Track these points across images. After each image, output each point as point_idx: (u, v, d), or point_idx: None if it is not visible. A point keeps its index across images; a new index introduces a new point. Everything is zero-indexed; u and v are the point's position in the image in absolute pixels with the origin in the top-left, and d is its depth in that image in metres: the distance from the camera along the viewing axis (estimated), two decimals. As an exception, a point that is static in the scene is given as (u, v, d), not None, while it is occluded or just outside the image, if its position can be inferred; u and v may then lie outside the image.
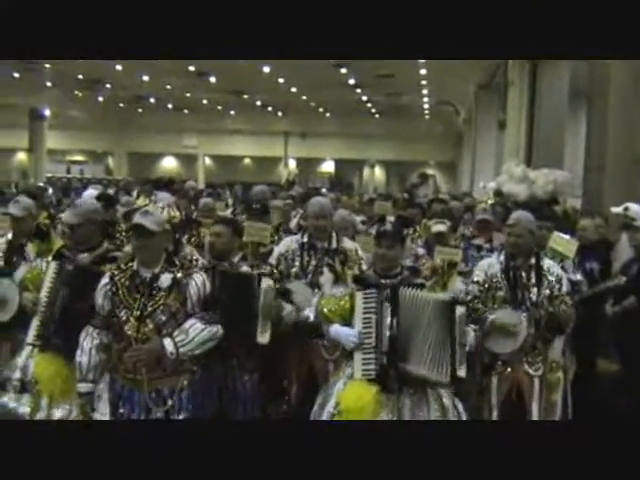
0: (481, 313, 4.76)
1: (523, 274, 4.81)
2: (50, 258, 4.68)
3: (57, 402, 4.44)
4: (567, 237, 5.75)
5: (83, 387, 3.98)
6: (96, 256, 4.59)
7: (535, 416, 4.76)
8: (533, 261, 4.84)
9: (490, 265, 4.91)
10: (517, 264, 4.83)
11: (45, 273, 4.60)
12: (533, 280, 4.79)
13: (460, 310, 4.14)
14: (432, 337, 4.08)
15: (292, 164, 38.14)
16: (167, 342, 3.71)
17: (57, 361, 4.43)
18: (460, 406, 4.17)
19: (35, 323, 4.54)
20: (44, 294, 4.54)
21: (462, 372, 4.10)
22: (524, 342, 4.69)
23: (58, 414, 4.42)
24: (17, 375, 4.52)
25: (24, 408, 4.44)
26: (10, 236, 5.53)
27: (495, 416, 4.77)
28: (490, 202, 10.59)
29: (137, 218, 3.84)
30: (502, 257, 4.91)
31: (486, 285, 4.84)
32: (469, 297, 4.85)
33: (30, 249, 5.18)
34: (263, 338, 4.52)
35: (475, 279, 4.90)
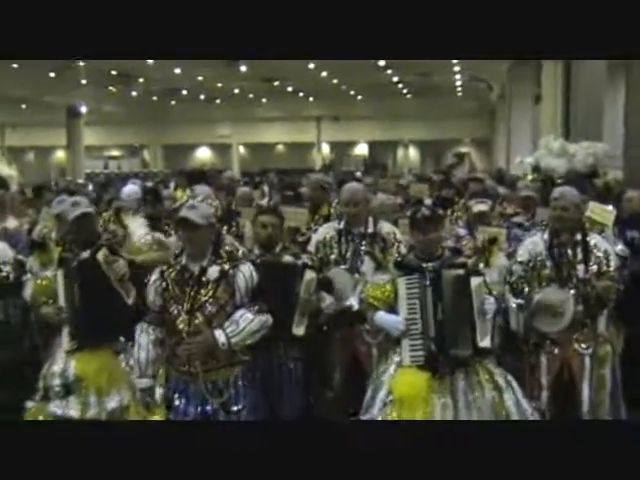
0: (527, 293, 4.73)
1: (569, 251, 4.74)
2: (55, 267, 4.71)
3: (107, 394, 4.53)
4: (604, 206, 5.67)
5: (143, 382, 4.05)
6: (97, 248, 4.65)
7: (586, 394, 4.72)
8: (579, 237, 4.76)
9: (534, 244, 4.85)
10: (562, 240, 4.76)
11: (55, 282, 4.64)
12: (579, 257, 4.72)
13: (476, 280, 4.06)
14: (466, 314, 4.05)
15: (325, 149, 38.08)
16: (218, 333, 3.76)
17: (98, 355, 4.55)
18: (514, 383, 4.13)
19: (65, 330, 4.61)
20: (62, 301, 4.60)
21: (486, 342, 4.03)
22: (572, 320, 4.65)
23: (110, 406, 4.51)
24: (58, 382, 4.56)
25: (73, 411, 4.50)
26: (54, 235, 5.63)
27: (545, 396, 4.74)
28: (530, 178, 10.46)
29: (183, 212, 3.90)
30: (546, 235, 4.84)
31: (531, 264, 4.79)
32: (514, 277, 4.81)
33: (32, 262, 5.18)
34: (298, 330, 4.55)
35: (519, 259, 4.84)
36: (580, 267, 4.71)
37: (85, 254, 4.64)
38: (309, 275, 4.58)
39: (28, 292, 4.92)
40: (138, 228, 5.53)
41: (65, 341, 4.60)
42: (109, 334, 4.57)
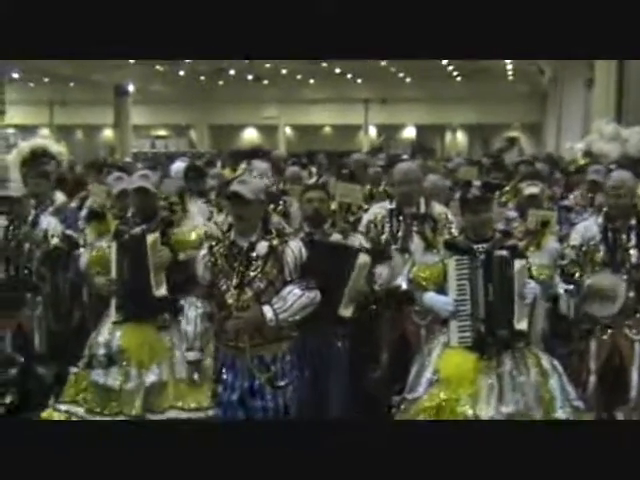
0: (578, 277, 4.69)
1: (623, 236, 4.69)
2: (111, 238, 4.77)
3: (147, 368, 4.62)
4: None
5: (191, 355, 4.13)
6: (152, 225, 4.68)
7: (635, 380, 4.66)
8: (633, 222, 4.71)
9: (587, 228, 4.83)
10: (616, 225, 4.71)
11: (109, 254, 4.70)
12: (633, 242, 4.67)
13: (520, 263, 4.01)
14: (508, 295, 4.01)
15: (372, 131, 37.87)
16: (266, 309, 3.78)
17: (141, 328, 4.66)
18: (560, 368, 4.09)
19: (113, 301, 4.69)
20: (114, 273, 4.67)
21: (522, 325, 3.99)
22: (624, 305, 4.60)
23: (150, 380, 4.60)
24: (102, 351, 4.66)
25: (114, 381, 4.61)
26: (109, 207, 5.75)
27: (593, 380, 4.70)
28: (582, 162, 10.31)
29: (234, 186, 3.90)
30: (600, 219, 4.81)
31: (583, 248, 4.75)
32: (565, 261, 4.78)
33: (89, 232, 5.30)
34: (346, 312, 4.51)
35: (572, 243, 4.83)
36: (634, 252, 4.66)
37: (138, 229, 4.70)
38: (363, 259, 4.53)
39: (84, 262, 5.02)
40: (197, 214, 5.59)
41: (112, 312, 4.69)
42: (153, 309, 4.64)
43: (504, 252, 4.08)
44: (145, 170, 5.53)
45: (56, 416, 4.66)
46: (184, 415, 4.51)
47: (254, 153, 9.49)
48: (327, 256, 4.37)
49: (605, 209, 4.85)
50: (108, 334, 4.72)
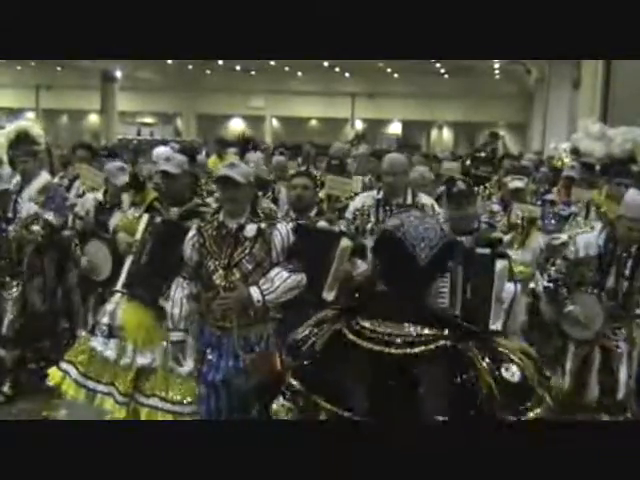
0: (563, 296, 4.65)
1: (621, 261, 4.57)
2: (142, 209, 4.82)
3: (141, 350, 4.63)
4: None
5: (176, 336, 4.15)
6: (185, 210, 4.69)
7: (623, 379, 4.65)
8: (633, 249, 4.57)
9: (588, 245, 4.66)
10: (617, 251, 4.58)
11: (137, 223, 4.74)
12: (627, 271, 4.56)
13: (501, 263, 4.03)
14: (484, 293, 4.02)
15: (358, 125, 37.90)
16: (253, 290, 3.83)
17: (141, 311, 4.66)
18: (536, 357, 4.12)
19: (125, 271, 4.71)
20: (135, 243, 4.69)
21: (497, 325, 4.00)
22: (602, 328, 4.59)
23: (141, 361, 4.62)
24: (105, 320, 4.71)
25: (111, 352, 4.63)
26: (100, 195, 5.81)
27: (566, 382, 4.72)
28: (567, 160, 10.39)
29: (224, 170, 3.95)
30: (601, 240, 4.63)
31: (578, 266, 4.66)
32: (554, 273, 4.73)
33: (125, 198, 5.37)
34: (329, 295, 4.54)
35: (569, 256, 4.70)
36: (625, 282, 4.59)
37: (173, 214, 4.69)
38: (345, 243, 4.58)
39: (113, 223, 5.19)
40: None
41: (121, 280, 4.72)
42: (158, 296, 4.61)
43: (486, 250, 4.08)
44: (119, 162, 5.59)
45: (57, 372, 4.68)
46: (164, 406, 4.53)
47: (246, 145, 9.54)
48: (311, 240, 4.41)
49: (614, 234, 4.64)
50: (114, 304, 4.75)
